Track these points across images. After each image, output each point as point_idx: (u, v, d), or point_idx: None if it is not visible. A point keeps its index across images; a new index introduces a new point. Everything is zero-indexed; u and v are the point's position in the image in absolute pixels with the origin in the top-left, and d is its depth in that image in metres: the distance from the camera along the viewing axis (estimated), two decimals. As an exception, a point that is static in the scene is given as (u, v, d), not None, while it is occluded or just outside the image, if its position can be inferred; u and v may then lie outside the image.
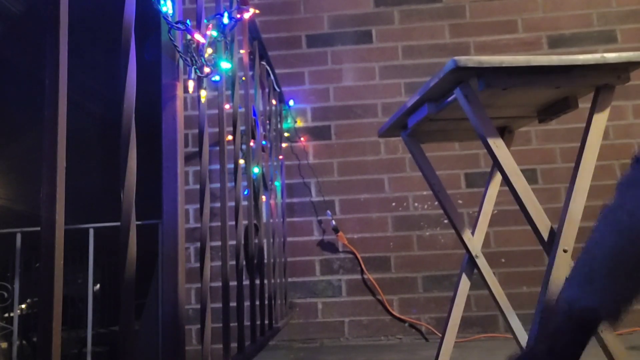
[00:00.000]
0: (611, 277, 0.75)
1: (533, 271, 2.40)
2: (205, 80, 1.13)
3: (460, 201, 2.51)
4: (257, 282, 1.62)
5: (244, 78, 1.61)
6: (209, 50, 1.13)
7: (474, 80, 1.04)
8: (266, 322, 1.74)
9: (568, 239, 1.01)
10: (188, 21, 1.02)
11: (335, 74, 2.69)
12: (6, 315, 4.27)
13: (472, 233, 1.41)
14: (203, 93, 1.14)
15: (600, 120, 1.07)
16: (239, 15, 1.33)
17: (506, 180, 1.03)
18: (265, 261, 1.83)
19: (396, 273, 2.48)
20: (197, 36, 1.05)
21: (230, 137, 1.48)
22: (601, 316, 0.74)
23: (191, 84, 1.09)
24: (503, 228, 2.45)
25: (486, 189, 1.47)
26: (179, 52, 1.00)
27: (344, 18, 2.73)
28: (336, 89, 2.67)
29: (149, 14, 1.00)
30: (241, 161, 1.53)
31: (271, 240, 1.99)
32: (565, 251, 1.01)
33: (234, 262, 1.34)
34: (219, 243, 1.31)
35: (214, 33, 1.19)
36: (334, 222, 2.51)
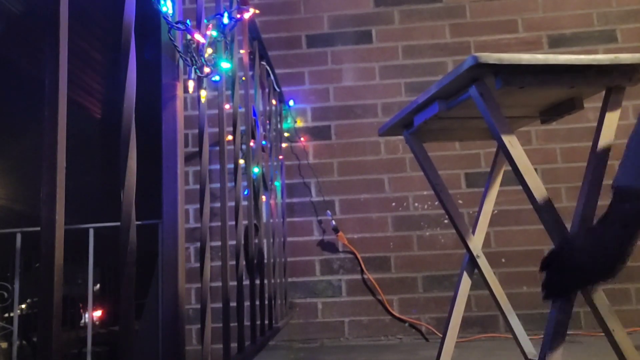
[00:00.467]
0: None
1: (533, 271, 2.40)
2: (205, 80, 1.13)
3: (460, 201, 2.51)
4: (257, 282, 1.62)
5: (244, 78, 1.61)
6: (209, 50, 1.13)
7: (490, 78, 1.03)
8: (266, 322, 1.74)
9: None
10: (188, 21, 1.02)
11: (335, 74, 2.69)
12: (6, 315, 4.27)
13: (473, 233, 1.41)
14: (203, 93, 1.14)
15: (612, 120, 1.07)
16: (239, 15, 1.33)
17: (520, 179, 1.02)
18: (265, 261, 1.83)
19: (396, 273, 2.48)
20: (197, 36, 1.05)
21: (230, 137, 1.48)
22: None
23: (191, 84, 1.09)
24: (503, 228, 2.45)
25: (486, 188, 1.47)
26: (179, 52, 1.00)
27: (344, 18, 2.73)
28: (336, 89, 2.67)
29: (149, 14, 1.00)
30: (241, 161, 1.53)
31: (271, 240, 1.99)
32: None
33: (234, 262, 1.34)
34: (219, 243, 1.31)
35: (214, 33, 1.19)
36: (334, 222, 2.51)
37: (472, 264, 1.38)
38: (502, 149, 1.03)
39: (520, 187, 1.03)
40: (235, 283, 1.33)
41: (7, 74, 5.65)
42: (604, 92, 1.11)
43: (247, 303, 1.47)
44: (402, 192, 2.55)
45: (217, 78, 1.27)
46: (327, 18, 2.74)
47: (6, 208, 7.12)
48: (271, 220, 2.06)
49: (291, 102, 2.65)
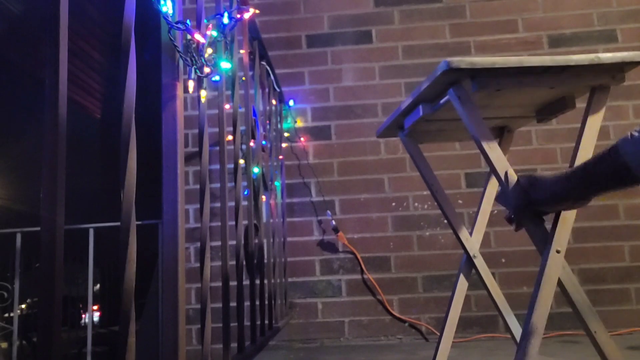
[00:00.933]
0: None
1: (533, 271, 2.40)
2: (205, 80, 1.13)
3: (460, 201, 2.51)
4: (257, 282, 1.62)
5: (244, 78, 1.61)
6: (209, 50, 1.13)
7: (467, 81, 1.04)
8: (266, 322, 1.74)
9: (561, 240, 1.01)
10: (188, 21, 1.02)
11: (335, 74, 2.69)
12: (6, 315, 4.27)
13: (470, 233, 1.41)
14: (203, 93, 1.14)
15: (594, 121, 1.07)
16: (239, 15, 1.33)
17: (499, 182, 1.03)
18: (265, 261, 1.83)
19: (396, 273, 2.48)
20: (197, 36, 1.05)
21: (230, 137, 1.48)
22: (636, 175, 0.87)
23: (191, 84, 1.09)
24: (503, 228, 2.45)
25: (485, 188, 1.47)
26: (179, 52, 1.00)
27: (344, 18, 2.73)
28: (336, 89, 2.67)
29: (149, 14, 1.00)
30: (241, 161, 1.53)
31: (271, 240, 1.99)
32: (558, 252, 1.00)
33: (234, 262, 1.34)
34: (219, 243, 1.31)
35: (214, 33, 1.19)
36: (334, 222, 2.51)
37: (469, 264, 1.38)
38: (481, 152, 1.03)
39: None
40: (235, 283, 1.33)
41: (7, 74, 5.65)
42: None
43: (247, 303, 1.47)
44: (402, 192, 2.55)
45: (217, 78, 1.27)
46: (327, 18, 2.74)
47: (6, 208, 7.12)
48: (271, 220, 2.06)
49: (291, 102, 2.65)
